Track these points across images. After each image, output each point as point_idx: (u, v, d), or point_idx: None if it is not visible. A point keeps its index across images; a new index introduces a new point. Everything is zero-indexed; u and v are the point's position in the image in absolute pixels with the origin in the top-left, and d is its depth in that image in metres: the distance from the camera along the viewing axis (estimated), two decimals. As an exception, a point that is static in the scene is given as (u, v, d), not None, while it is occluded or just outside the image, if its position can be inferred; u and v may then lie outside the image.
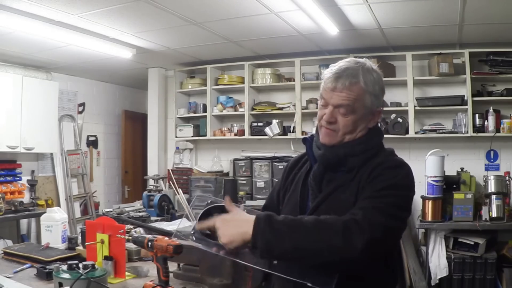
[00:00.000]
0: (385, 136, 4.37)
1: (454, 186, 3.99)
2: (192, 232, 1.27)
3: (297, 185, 1.44)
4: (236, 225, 1.17)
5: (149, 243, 1.58)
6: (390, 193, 1.22)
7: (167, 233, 2.14)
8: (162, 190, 4.77)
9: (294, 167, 1.52)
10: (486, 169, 4.27)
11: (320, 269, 1.20)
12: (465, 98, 4.12)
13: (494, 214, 3.71)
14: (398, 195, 1.23)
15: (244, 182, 4.90)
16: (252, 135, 4.92)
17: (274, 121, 4.77)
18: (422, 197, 3.93)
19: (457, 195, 3.84)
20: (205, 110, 5.17)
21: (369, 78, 1.32)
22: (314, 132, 1.46)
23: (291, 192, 1.46)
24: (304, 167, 1.47)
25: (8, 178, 4.82)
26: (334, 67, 1.34)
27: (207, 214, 1.27)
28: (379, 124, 1.42)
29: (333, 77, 1.31)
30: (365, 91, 1.30)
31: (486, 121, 4.06)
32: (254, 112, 4.97)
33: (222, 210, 1.26)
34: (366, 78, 1.31)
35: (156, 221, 3.78)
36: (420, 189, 4.00)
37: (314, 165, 1.41)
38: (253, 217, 1.17)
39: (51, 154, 5.43)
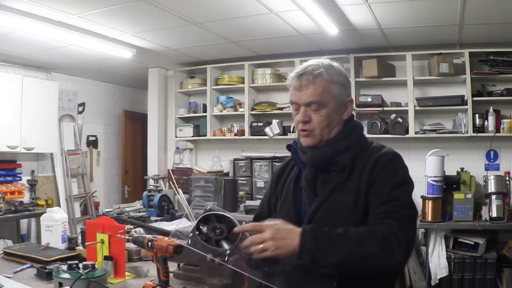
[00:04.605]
0: (385, 136, 4.37)
1: (454, 186, 3.99)
2: (190, 235, 1.28)
3: (288, 190, 1.45)
4: (284, 236, 1.18)
5: (149, 243, 1.58)
6: (403, 191, 1.28)
7: (167, 233, 2.15)
8: (162, 190, 4.77)
9: (282, 174, 1.53)
10: (486, 169, 4.26)
11: (320, 273, 1.22)
12: (465, 98, 4.12)
13: (494, 214, 3.70)
14: (408, 190, 1.30)
15: (244, 182, 4.90)
16: (252, 135, 4.92)
17: (274, 121, 4.77)
18: (422, 197, 3.93)
19: (457, 195, 3.84)
20: (205, 110, 5.17)
21: (331, 70, 1.35)
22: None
23: (283, 198, 1.46)
24: (293, 172, 1.47)
25: (8, 178, 4.82)
26: (296, 69, 1.38)
27: (206, 219, 1.28)
28: (354, 116, 1.46)
29: (296, 76, 1.34)
30: (329, 81, 1.33)
31: (486, 121, 4.06)
32: (254, 112, 4.97)
33: (219, 218, 1.28)
34: (328, 70, 1.34)
35: (156, 221, 3.78)
36: (420, 189, 4.00)
37: (303, 170, 1.41)
38: (299, 230, 1.19)
39: (51, 154, 5.43)
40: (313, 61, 1.37)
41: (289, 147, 1.46)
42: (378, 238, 1.17)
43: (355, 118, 1.47)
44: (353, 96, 4.49)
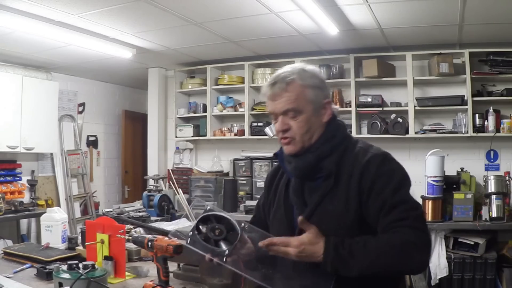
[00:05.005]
0: (385, 136, 4.36)
1: (454, 186, 3.99)
2: (189, 234, 1.29)
3: (279, 199, 1.44)
4: (308, 256, 1.20)
5: (149, 243, 1.59)
6: (405, 191, 1.26)
7: (167, 233, 2.14)
8: (162, 190, 4.77)
9: (273, 179, 1.52)
10: (486, 169, 4.26)
11: (318, 271, 1.22)
12: (465, 98, 4.12)
13: (494, 214, 3.70)
14: (408, 189, 1.28)
15: (244, 182, 4.90)
16: (252, 135, 4.92)
17: (274, 121, 4.76)
18: (422, 197, 3.93)
19: (457, 195, 3.84)
20: (205, 110, 5.17)
21: (305, 74, 1.32)
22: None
23: (275, 207, 1.46)
24: (283, 179, 1.46)
25: (8, 178, 4.82)
26: (269, 78, 1.36)
27: (205, 220, 1.29)
28: (336, 117, 1.41)
29: (269, 85, 1.33)
30: (303, 86, 1.30)
31: (486, 121, 4.06)
32: (254, 112, 4.97)
33: (219, 218, 1.28)
34: (301, 75, 1.31)
35: (156, 221, 3.78)
36: (420, 189, 4.00)
37: (291, 177, 1.40)
38: (323, 246, 1.20)
39: (51, 154, 5.43)
40: (286, 68, 1.35)
41: (275, 155, 1.45)
42: (398, 249, 1.17)
43: (339, 118, 1.42)
44: (352, 96, 4.53)
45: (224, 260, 1.24)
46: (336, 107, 1.44)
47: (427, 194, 3.88)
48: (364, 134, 4.40)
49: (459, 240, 3.81)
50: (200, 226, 1.28)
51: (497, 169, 4.24)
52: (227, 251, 1.24)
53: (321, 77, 1.36)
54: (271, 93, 1.32)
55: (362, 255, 1.17)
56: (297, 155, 1.33)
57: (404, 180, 1.28)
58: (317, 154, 1.31)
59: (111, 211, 4.03)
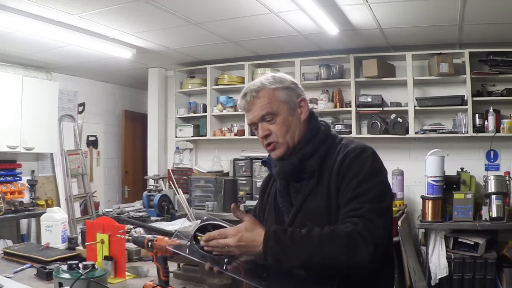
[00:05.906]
0: (385, 136, 4.36)
1: (454, 186, 3.99)
2: (187, 244, 1.29)
3: (270, 205, 1.46)
4: (248, 244, 1.20)
5: (149, 243, 1.59)
6: (370, 185, 1.22)
7: (167, 233, 2.15)
8: (162, 190, 4.77)
9: (266, 186, 1.54)
10: (486, 169, 4.26)
11: (319, 277, 1.22)
12: (465, 98, 4.12)
13: (494, 214, 3.70)
14: (376, 183, 1.24)
15: (244, 182, 4.90)
16: (252, 135, 4.91)
17: (274, 121, 4.75)
18: (422, 197, 3.93)
19: (457, 195, 3.84)
20: (205, 110, 5.17)
21: (272, 79, 1.35)
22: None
23: (267, 213, 1.48)
24: (274, 185, 1.48)
25: (8, 178, 4.82)
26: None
27: (203, 229, 1.29)
28: (317, 116, 1.42)
29: (241, 98, 1.36)
30: (273, 89, 1.33)
31: (486, 121, 4.06)
32: (254, 112, 4.95)
33: (216, 227, 1.28)
34: (269, 80, 1.35)
35: (156, 221, 3.78)
36: (420, 189, 4.00)
37: (277, 181, 1.42)
38: (263, 234, 1.20)
39: (51, 154, 5.43)
40: (256, 80, 1.38)
41: (265, 163, 1.46)
42: (342, 238, 1.15)
43: (321, 119, 1.44)
44: (352, 96, 4.53)
45: (224, 268, 1.24)
46: (316, 107, 1.46)
47: (427, 194, 3.88)
48: (364, 134, 4.40)
49: (459, 240, 3.82)
50: (198, 236, 1.29)
51: (497, 169, 4.24)
52: (226, 259, 1.24)
53: (290, 80, 1.39)
54: (245, 104, 1.35)
55: (304, 243, 1.16)
56: (284, 159, 1.35)
57: (375, 173, 1.25)
58: (301, 155, 1.33)
59: (111, 211, 4.03)
